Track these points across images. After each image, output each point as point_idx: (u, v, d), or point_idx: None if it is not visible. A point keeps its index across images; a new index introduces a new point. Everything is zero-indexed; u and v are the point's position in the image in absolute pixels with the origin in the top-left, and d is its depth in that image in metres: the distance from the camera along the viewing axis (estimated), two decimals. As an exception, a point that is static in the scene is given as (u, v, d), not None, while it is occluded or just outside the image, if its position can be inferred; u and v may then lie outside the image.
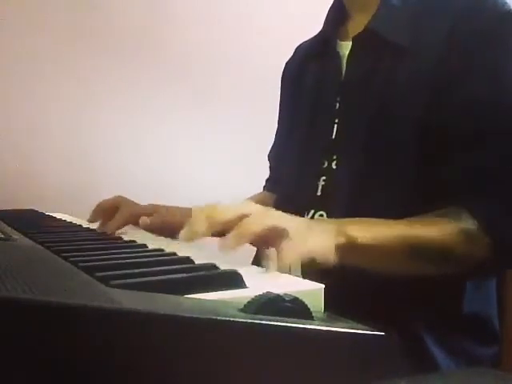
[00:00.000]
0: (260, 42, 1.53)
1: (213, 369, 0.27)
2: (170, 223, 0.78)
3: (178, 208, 0.85)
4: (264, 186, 1.05)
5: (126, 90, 1.40)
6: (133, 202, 0.83)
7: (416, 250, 0.64)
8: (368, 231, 0.62)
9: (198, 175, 1.47)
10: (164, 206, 0.85)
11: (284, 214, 0.57)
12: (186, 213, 0.78)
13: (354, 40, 0.79)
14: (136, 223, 0.79)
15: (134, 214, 0.79)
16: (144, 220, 0.77)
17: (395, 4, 0.77)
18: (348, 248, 0.59)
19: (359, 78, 0.78)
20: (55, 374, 0.24)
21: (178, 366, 0.26)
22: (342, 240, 0.59)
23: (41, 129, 1.32)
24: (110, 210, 0.79)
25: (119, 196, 0.83)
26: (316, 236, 0.57)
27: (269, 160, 1.04)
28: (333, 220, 0.65)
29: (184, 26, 1.48)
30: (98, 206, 0.81)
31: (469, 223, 0.67)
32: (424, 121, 0.70)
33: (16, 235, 0.59)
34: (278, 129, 1.03)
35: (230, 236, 0.50)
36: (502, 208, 0.68)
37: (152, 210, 0.81)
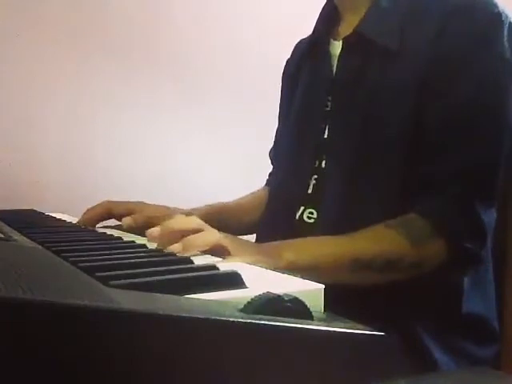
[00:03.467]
0: (259, 42, 1.53)
1: (213, 369, 0.27)
2: (154, 219, 0.76)
3: (160, 206, 0.85)
4: (267, 180, 1.06)
5: (126, 90, 1.40)
6: (123, 202, 0.83)
7: (360, 265, 0.66)
8: (305, 253, 0.64)
9: (197, 175, 1.47)
10: (147, 204, 0.83)
11: (230, 236, 0.60)
12: (168, 211, 0.80)
13: (343, 41, 0.80)
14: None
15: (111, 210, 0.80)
16: (126, 220, 0.76)
17: (384, 6, 0.77)
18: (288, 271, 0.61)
19: (349, 78, 0.79)
20: (55, 374, 0.24)
21: (177, 366, 0.26)
22: (280, 264, 0.60)
23: (40, 129, 1.32)
24: (101, 217, 0.81)
25: (106, 201, 0.82)
26: (255, 258, 0.57)
27: (270, 156, 1.06)
28: (272, 244, 0.66)
29: (184, 25, 1.48)
30: (88, 213, 0.81)
31: (421, 230, 0.69)
32: (411, 122, 0.71)
33: (16, 235, 0.59)
34: (278, 126, 1.04)
35: (178, 245, 0.54)
36: (453, 208, 0.69)
37: (137, 210, 0.80)
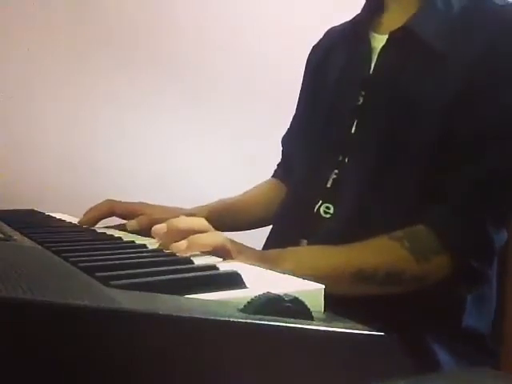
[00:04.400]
0: (260, 42, 1.53)
1: (213, 369, 0.27)
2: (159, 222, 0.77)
3: (162, 207, 0.85)
4: (274, 171, 1.04)
5: (126, 90, 1.40)
6: (124, 203, 0.83)
7: (360, 277, 0.65)
8: (305, 264, 0.64)
9: (198, 175, 1.47)
10: (149, 205, 0.84)
11: (232, 240, 0.59)
12: (171, 212, 0.80)
13: (390, 35, 0.77)
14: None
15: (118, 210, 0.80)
16: (131, 224, 0.76)
17: (439, 7, 0.75)
18: None
19: (388, 75, 0.76)
20: (55, 374, 0.24)
21: (177, 366, 0.26)
22: None
23: (40, 129, 1.32)
24: (103, 216, 0.81)
25: (107, 200, 0.82)
26: (254, 263, 0.57)
27: (282, 145, 1.02)
28: (274, 252, 0.66)
29: (183, 25, 1.48)
30: (90, 212, 0.81)
31: (427, 244, 0.68)
32: (441, 129, 0.70)
33: (16, 235, 0.59)
34: (295, 114, 1.00)
35: (182, 242, 0.54)
36: (462, 224, 0.68)
37: (140, 211, 0.80)
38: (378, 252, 0.68)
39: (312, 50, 0.98)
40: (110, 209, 0.80)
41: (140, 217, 0.77)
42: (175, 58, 1.47)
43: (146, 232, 0.74)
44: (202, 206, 0.91)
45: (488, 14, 0.73)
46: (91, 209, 0.81)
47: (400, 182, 0.72)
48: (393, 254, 0.67)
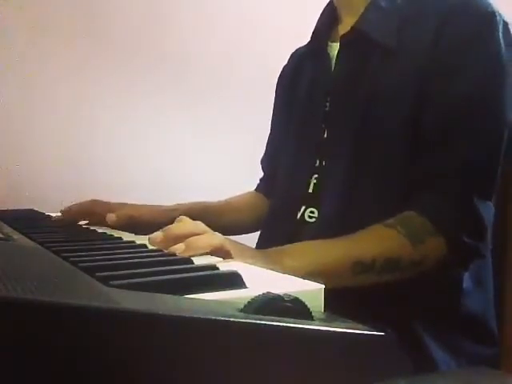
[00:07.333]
0: (260, 43, 1.53)
1: (213, 369, 0.27)
2: (137, 220, 0.80)
3: (143, 206, 0.86)
4: (257, 185, 1.07)
5: (126, 90, 1.40)
6: (106, 202, 0.84)
7: (362, 267, 0.66)
8: (306, 259, 0.64)
9: (198, 175, 1.47)
10: (130, 205, 0.85)
11: (233, 240, 0.59)
12: (155, 212, 0.82)
13: (341, 40, 0.80)
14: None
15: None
16: (110, 217, 0.77)
17: (383, 6, 0.78)
18: None
19: (347, 77, 0.79)
20: (55, 373, 0.24)
21: (177, 366, 0.26)
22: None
23: (40, 129, 1.32)
24: (81, 214, 0.82)
25: (92, 200, 0.84)
26: (255, 263, 0.57)
27: (262, 165, 1.06)
28: (273, 250, 0.66)
29: (183, 26, 1.48)
30: (70, 208, 0.82)
31: (420, 228, 0.69)
32: (409, 121, 0.72)
33: (16, 235, 0.59)
34: (270, 134, 1.04)
35: (180, 244, 0.53)
36: (450, 204, 0.70)
37: (119, 210, 0.81)
38: (376, 240, 0.69)
39: (282, 70, 1.02)
40: (91, 208, 0.81)
41: (119, 212, 0.78)
42: (176, 58, 1.47)
43: (124, 228, 0.77)
44: (181, 204, 0.91)
45: (432, 2, 0.75)
46: (72, 206, 0.82)
47: (378, 180, 0.74)
48: (389, 240, 0.68)
